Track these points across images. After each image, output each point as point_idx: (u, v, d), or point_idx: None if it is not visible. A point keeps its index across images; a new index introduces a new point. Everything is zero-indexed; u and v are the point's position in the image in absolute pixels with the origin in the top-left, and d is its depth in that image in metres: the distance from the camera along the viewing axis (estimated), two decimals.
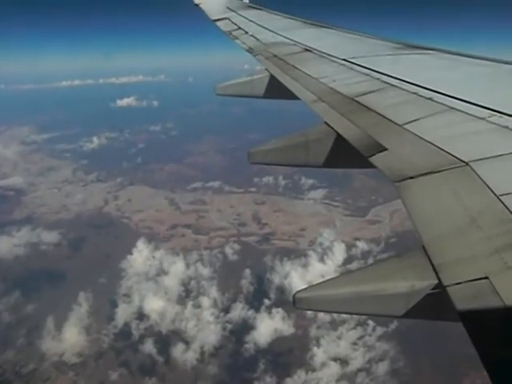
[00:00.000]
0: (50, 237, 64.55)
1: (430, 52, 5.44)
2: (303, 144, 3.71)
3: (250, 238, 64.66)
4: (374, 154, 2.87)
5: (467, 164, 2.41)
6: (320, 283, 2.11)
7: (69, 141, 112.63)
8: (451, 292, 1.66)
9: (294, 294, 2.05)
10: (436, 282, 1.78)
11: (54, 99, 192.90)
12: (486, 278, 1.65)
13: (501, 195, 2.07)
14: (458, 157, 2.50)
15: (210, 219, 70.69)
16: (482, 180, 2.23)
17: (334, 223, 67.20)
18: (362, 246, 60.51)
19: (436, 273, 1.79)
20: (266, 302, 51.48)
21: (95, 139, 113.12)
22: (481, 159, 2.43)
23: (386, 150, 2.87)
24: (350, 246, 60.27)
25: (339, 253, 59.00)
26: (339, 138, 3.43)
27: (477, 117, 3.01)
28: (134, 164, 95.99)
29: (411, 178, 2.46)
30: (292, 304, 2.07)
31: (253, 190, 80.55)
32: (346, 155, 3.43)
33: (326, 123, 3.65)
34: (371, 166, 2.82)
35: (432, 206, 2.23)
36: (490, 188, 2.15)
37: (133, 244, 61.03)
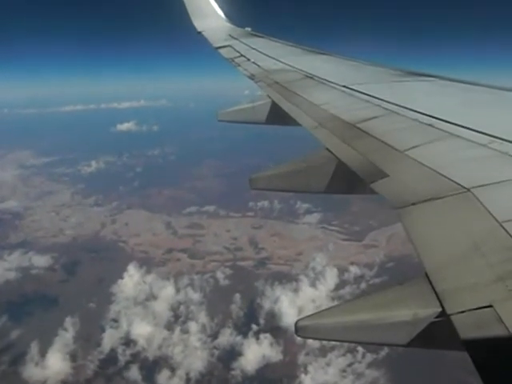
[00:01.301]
0: (44, 261, 64.21)
1: (429, 79, 5.50)
2: (304, 170, 3.72)
3: (245, 263, 64.34)
4: (375, 180, 2.87)
5: (469, 190, 2.40)
6: (322, 311, 2.09)
7: (68, 165, 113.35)
8: (455, 321, 1.64)
9: (296, 322, 2.03)
10: (440, 310, 1.75)
11: (55, 124, 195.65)
12: (491, 306, 1.63)
13: (503, 222, 2.06)
14: (460, 183, 2.50)
15: (206, 243, 70.42)
16: (484, 206, 2.22)
17: (331, 248, 66.88)
18: (357, 270, 59.99)
19: (439, 301, 1.77)
20: (256, 327, 50.65)
21: (94, 163, 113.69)
22: (482, 185, 2.42)
23: (387, 176, 2.87)
24: (345, 271, 59.75)
25: (335, 277, 58.51)
26: (340, 164, 3.43)
27: (477, 143, 3.02)
28: (132, 188, 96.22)
29: (413, 204, 2.45)
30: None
31: (250, 214, 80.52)
32: (347, 181, 3.43)
33: (327, 149, 3.67)
34: (372, 192, 2.82)
35: (434, 232, 2.22)
36: (492, 214, 2.14)
37: (127, 268, 60.92)
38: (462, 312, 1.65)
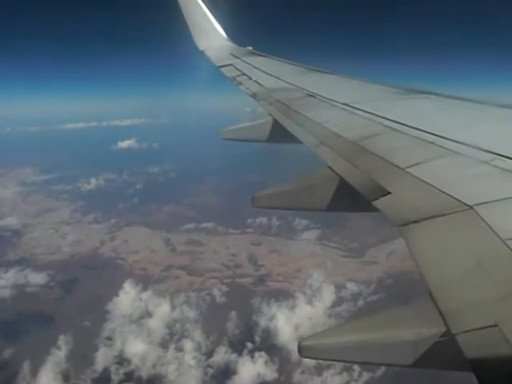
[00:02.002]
0: (40, 278, 64.05)
1: (430, 96, 5.53)
2: (307, 188, 3.73)
3: (244, 280, 64.13)
4: (377, 198, 2.87)
5: (471, 208, 2.39)
6: (325, 331, 2.07)
7: (68, 182, 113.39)
8: (460, 340, 1.62)
9: (300, 343, 2.01)
10: (444, 329, 1.73)
11: (57, 141, 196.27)
12: (496, 325, 1.61)
13: (507, 239, 2.05)
14: (462, 200, 2.49)
15: (205, 260, 70.21)
16: (487, 224, 2.21)
17: (330, 264, 66.60)
18: (356, 287, 59.80)
19: (444, 320, 1.75)
20: (251, 345, 50.25)
21: (94, 180, 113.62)
22: (485, 203, 2.42)
23: (389, 193, 2.87)
24: (344, 288, 59.56)
25: (333, 294, 58.24)
26: (342, 182, 3.44)
27: (479, 160, 3.02)
28: (132, 205, 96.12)
29: (415, 221, 2.45)
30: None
31: (249, 230, 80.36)
32: (349, 199, 3.43)
33: (329, 167, 3.67)
34: (374, 209, 2.81)
35: (437, 250, 2.20)
36: (495, 232, 2.13)
37: (123, 286, 60.75)
38: (467, 331, 1.64)
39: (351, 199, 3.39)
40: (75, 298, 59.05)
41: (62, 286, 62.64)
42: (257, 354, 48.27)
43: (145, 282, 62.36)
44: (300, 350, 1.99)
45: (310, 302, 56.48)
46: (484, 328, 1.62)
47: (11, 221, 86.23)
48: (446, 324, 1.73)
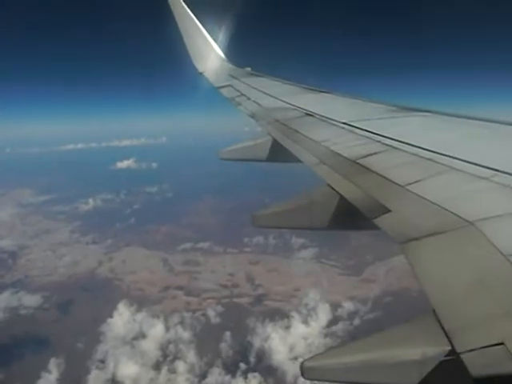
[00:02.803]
0: (36, 300, 63.74)
1: (428, 114, 5.56)
2: (307, 207, 3.72)
3: (242, 300, 63.88)
4: (377, 216, 2.86)
5: (472, 224, 2.38)
6: (328, 351, 2.04)
7: (66, 203, 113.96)
8: (466, 359, 1.59)
9: (302, 363, 1.98)
10: (449, 348, 1.71)
11: (57, 162, 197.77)
12: (502, 343, 1.58)
13: (509, 255, 2.03)
14: (463, 217, 2.48)
15: (203, 280, 70.13)
16: (489, 240, 2.20)
17: (328, 283, 66.37)
18: (354, 306, 59.66)
19: (448, 338, 1.73)
20: (245, 366, 49.86)
21: (92, 201, 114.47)
22: (486, 219, 2.41)
23: (389, 211, 2.86)
24: (342, 306, 59.44)
25: (331, 313, 58.11)
26: (342, 200, 3.43)
27: (479, 176, 3.02)
28: (130, 225, 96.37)
29: (416, 239, 2.43)
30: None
31: (247, 250, 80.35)
32: (349, 217, 3.42)
33: (328, 185, 3.67)
34: (375, 227, 2.80)
35: (439, 267, 2.19)
36: (497, 248, 2.11)
37: (126, 306, 60.45)
38: (473, 350, 1.61)
39: (351, 217, 3.38)
40: (71, 320, 58.68)
41: (58, 307, 62.34)
42: (250, 375, 47.92)
43: (141, 302, 62.14)
44: (303, 371, 1.96)
45: (305, 322, 56.44)
46: (490, 346, 1.60)
47: (8, 242, 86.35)
48: (450, 343, 1.71)
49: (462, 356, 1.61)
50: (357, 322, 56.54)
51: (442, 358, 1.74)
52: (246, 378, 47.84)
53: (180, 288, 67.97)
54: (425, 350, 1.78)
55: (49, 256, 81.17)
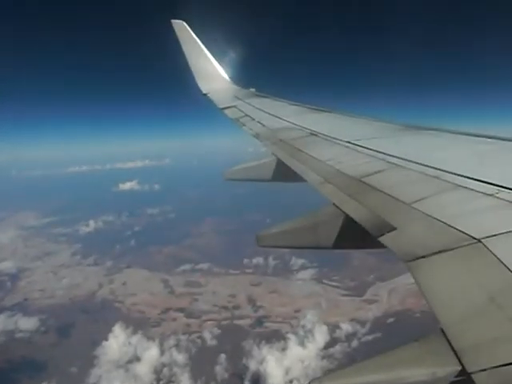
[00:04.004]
0: (35, 324, 63.34)
1: (431, 132, 5.57)
2: (312, 226, 3.70)
3: (243, 321, 63.31)
4: (383, 234, 2.84)
5: (479, 241, 2.36)
6: (337, 372, 2.00)
7: (68, 225, 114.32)
8: (477, 379, 1.56)
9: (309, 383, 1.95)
10: (459, 368, 1.67)
11: (61, 185, 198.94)
12: None
13: None
14: (470, 234, 2.46)
15: (204, 302, 69.73)
16: (497, 257, 2.17)
17: (330, 304, 65.90)
18: (358, 326, 59.08)
19: (458, 358, 1.69)
20: None
21: (94, 223, 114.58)
22: (493, 235, 2.38)
23: (395, 229, 2.84)
24: (342, 328, 58.85)
25: (331, 335, 57.56)
26: (348, 219, 3.41)
27: (485, 193, 3.00)
28: (132, 247, 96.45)
29: (423, 257, 2.41)
30: None
31: (249, 271, 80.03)
32: (355, 236, 3.40)
33: (334, 204, 3.66)
34: (381, 246, 2.78)
35: (447, 285, 2.16)
36: (505, 265, 2.09)
37: (125, 329, 59.99)
38: (484, 370, 1.57)
39: (357, 236, 3.36)
40: (70, 344, 58.29)
41: (57, 330, 62.05)
42: None
43: (141, 325, 61.82)
44: None
45: (305, 344, 55.85)
46: (501, 366, 1.56)
47: (10, 265, 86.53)
48: (460, 362, 1.67)
49: (473, 376, 1.57)
50: (363, 341, 56.02)
51: (453, 379, 1.70)
52: None
53: (181, 310, 67.72)
54: (434, 370, 1.74)
55: (50, 278, 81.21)
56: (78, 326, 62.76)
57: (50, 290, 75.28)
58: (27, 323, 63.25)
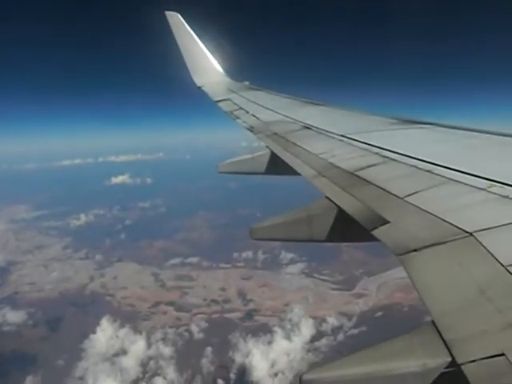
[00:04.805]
0: (26, 317, 63.17)
1: (426, 126, 5.58)
2: (305, 219, 3.71)
3: (232, 315, 63.61)
4: (376, 227, 2.85)
5: (471, 234, 2.38)
6: (328, 364, 2.01)
7: (59, 218, 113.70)
8: (466, 371, 1.57)
9: (301, 376, 1.95)
10: (449, 359, 1.69)
11: (52, 178, 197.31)
12: (503, 354, 1.57)
13: (508, 265, 2.03)
14: (462, 227, 2.48)
15: (194, 296, 69.83)
16: (488, 250, 2.19)
17: (321, 297, 66.38)
18: (346, 320, 59.57)
19: (449, 350, 1.71)
20: (227, 382, 50.06)
21: (85, 216, 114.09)
22: (484, 229, 2.40)
23: (388, 222, 2.85)
24: (332, 321, 59.40)
25: (315, 328, 57.97)
26: (341, 212, 3.42)
27: (477, 187, 3.02)
28: (123, 241, 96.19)
29: (415, 250, 2.42)
30: None
31: (240, 264, 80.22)
32: (348, 229, 3.41)
33: (327, 197, 3.66)
34: (374, 239, 2.79)
35: (439, 278, 2.17)
36: (496, 258, 2.11)
37: (113, 322, 60.15)
38: (473, 361, 1.59)
39: (350, 229, 3.37)
40: (59, 337, 58.25)
41: (48, 324, 61.88)
42: None
43: (131, 318, 61.77)
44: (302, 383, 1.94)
45: (291, 337, 56.25)
46: (491, 357, 1.58)
47: (0, 258, 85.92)
48: (451, 354, 1.69)
49: (462, 367, 1.59)
50: (350, 335, 56.54)
51: (443, 370, 1.72)
52: None
53: (171, 303, 67.84)
54: (425, 361, 1.76)
55: (41, 272, 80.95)
56: (69, 319, 62.69)
57: (41, 284, 75.12)
58: (17, 316, 63.10)
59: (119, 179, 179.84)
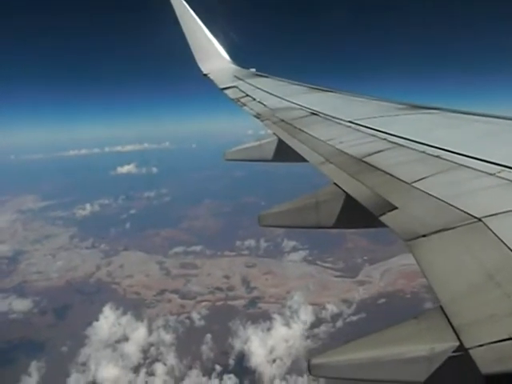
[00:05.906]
0: (34, 305, 64.43)
1: (434, 111, 5.53)
2: (313, 206, 3.70)
3: (236, 302, 64.32)
4: (384, 213, 2.84)
5: (480, 220, 2.37)
6: (336, 348, 2.03)
7: (67, 208, 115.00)
8: (474, 355, 1.58)
9: (309, 360, 1.97)
10: (457, 344, 1.69)
11: (59, 168, 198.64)
12: (511, 338, 1.57)
13: None
14: (470, 213, 2.47)
15: (198, 283, 70.61)
16: (497, 236, 2.18)
17: (325, 284, 66.77)
18: (348, 307, 60.14)
19: (456, 334, 1.71)
20: (225, 368, 50.63)
21: (91, 206, 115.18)
22: (493, 215, 2.39)
23: (396, 208, 2.85)
24: (335, 308, 59.90)
25: (319, 315, 58.36)
26: (349, 199, 3.42)
27: (486, 173, 3.00)
28: (129, 230, 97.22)
29: (423, 235, 2.42)
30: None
31: (244, 252, 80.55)
32: (356, 215, 3.41)
33: (335, 184, 3.66)
34: (382, 225, 2.78)
35: (447, 263, 2.17)
36: (505, 243, 2.10)
37: (116, 310, 61.08)
38: (481, 345, 1.60)
39: (358, 215, 3.36)
40: (66, 324, 59.26)
41: (55, 312, 62.94)
42: (226, 377, 48.81)
43: (137, 306, 62.60)
44: (310, 368, 1.95)
45: (291, 324, 56.91)
46: (498, 342, 1.58)
47: (9, 247, 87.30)
48: (458, 338, 1.70)
49: (470, 351, 1.60)
50: (352, 322, 56.98)
51: (451, 354, 1.72)
52: (221, 379, 48.68)
53: (176, 291, 68.63)
54: (433, 346, 1.77)
55: (48, 261, 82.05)
56: (76, 307, 63.77)
57: (48, 273, 76.17)
58: (25, 305, 64.03)
59: (125, 169, 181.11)
